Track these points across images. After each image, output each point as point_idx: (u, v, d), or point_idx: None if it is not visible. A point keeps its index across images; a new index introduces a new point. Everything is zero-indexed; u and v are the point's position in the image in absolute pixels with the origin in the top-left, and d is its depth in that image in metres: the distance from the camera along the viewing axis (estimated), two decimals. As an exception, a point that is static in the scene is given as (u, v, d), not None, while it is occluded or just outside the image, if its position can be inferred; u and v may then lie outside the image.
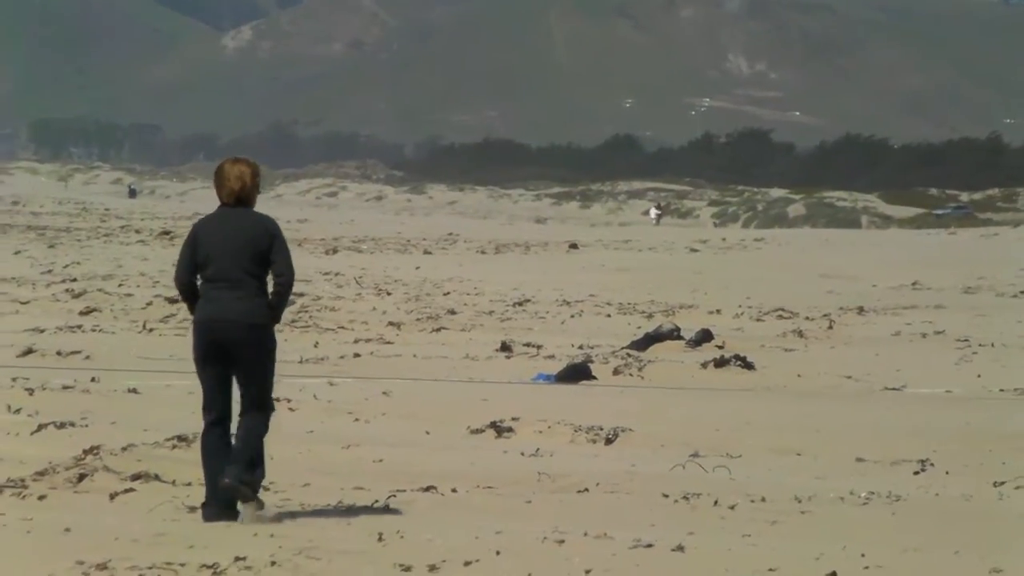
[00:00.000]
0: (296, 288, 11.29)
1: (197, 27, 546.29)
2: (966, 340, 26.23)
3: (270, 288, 10.48)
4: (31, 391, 16.26)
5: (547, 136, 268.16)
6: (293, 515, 10.48)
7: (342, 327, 26.25)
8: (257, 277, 10.43)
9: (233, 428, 10.46)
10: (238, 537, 9.61)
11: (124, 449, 12.53)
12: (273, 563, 8.68)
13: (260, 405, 10.42)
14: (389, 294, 34.35)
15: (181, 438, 13.21)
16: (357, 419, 15.74)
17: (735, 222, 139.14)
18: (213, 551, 9.01)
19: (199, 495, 10.66)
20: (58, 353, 21.34)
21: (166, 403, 16.73)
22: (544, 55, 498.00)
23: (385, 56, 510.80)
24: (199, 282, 10.46)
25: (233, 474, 10.18)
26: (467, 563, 8.79)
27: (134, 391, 17.46)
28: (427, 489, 11.53)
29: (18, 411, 14.54)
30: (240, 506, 10.26)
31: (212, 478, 10.36)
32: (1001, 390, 20.34)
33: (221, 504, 10.30)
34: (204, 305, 10.43)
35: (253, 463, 10.33)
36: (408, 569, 8.61)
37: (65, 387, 16.84)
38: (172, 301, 29.96)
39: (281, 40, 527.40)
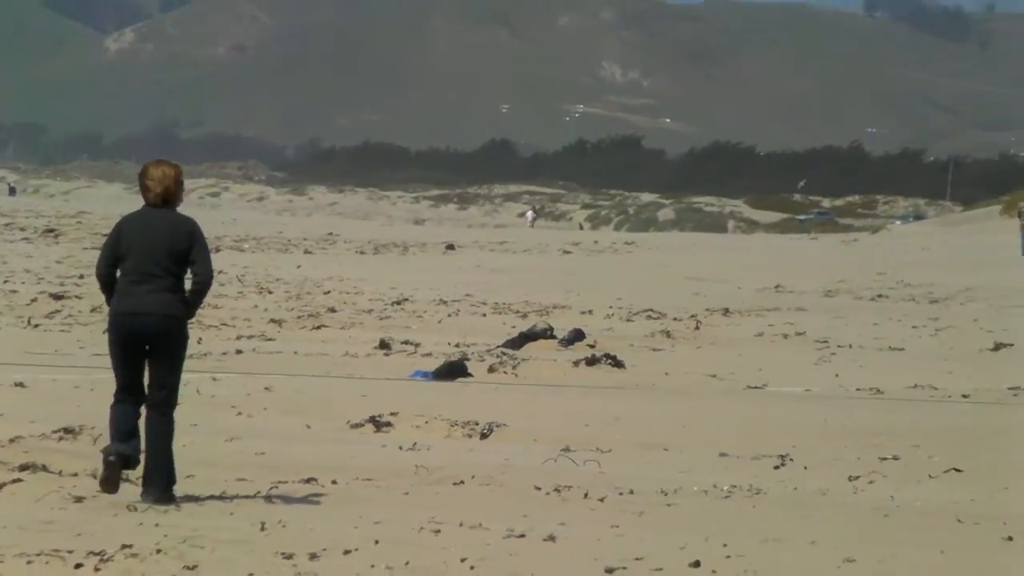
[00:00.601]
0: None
1: (81, 30, 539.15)
2: (825, 341, 26.90)
3: (187, 286, 10.67)
4: (-83, 387, 16.22)
5: (426, 140, 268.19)
6: (178, 505, 10.57)
7: (225, 324, 26.23)
8: (174, 275, 10.62)
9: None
10: (124, 526, 9.64)
11: (11, 441, 12.49)
12: (159, 551, 8.70)
13: (168, 400, 10.65)
14: (271, 292, 34.23)
15: (68, 430, 13.29)
16: (240, 413, 15.82)
17: (607, 225, 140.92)
18: (100, 539, 9.06)
19: (86, 485, 10.79)
20: (-57, 349, 21.39)
21: (52, 397, 16.74)
22: (425, 60, 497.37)
23: (267, 59, 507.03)
24: (118, 275, 10.58)
25: (152, 480, 10.56)
26: (347, 551, 8.94)
27: (20, 385, 17.43)
28: (308, 481, 11.66)
29: (-96, 405, 14.39)
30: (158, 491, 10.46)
31: (122, 433, 10.49)
32: (857, 389, 20.92)
33: (115, 461, 10.38)
34: (120, 299, 10.60)
35: (167, 479, 10.59)
36: (289, 557, 8.72)
37: (-49, 382, 16.89)
38: (57, 297, 30.05)
39: (163, 43, 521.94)
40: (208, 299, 12.06)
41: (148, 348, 10.48)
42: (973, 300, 38.11)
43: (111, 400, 10.77)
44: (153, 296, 10.44)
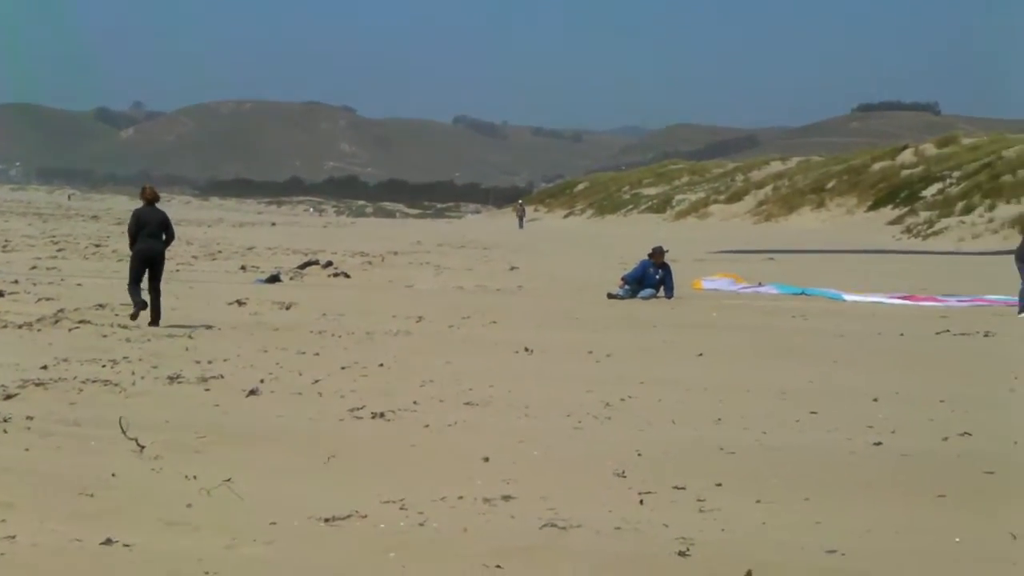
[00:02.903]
0: None
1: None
2: (437, 265, 35.95)
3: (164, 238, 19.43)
4: None
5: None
6: (158, 330, 18.09)
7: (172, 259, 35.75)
8: (160, 235, 19.31)
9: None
10: (127, 347, 16.45)
11: (74, 309, 19.56)
12: (139, 360, 15.53)
13: (158, 284, 19.06)
14: (189, 244, 42.51)
15: (100, 305, 20.39)
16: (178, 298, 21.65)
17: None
18: (116, 352, 15.66)
19: (109, 329, 17.53)
20: None
21: (92, 290, 23.46)
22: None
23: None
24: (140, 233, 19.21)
25: (155, 317, 18.65)
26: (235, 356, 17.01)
27: (79, 284, 24.34)
28: (209, 327, 19.26)
29: None
30: (155, 322, 18.47)
31: (138, 302, 18.60)
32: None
33: (141, 310, 18.49)
34: (141, 244, 19.15)
35: (158, 316, 18.79)
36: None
37: None
38: (97, 245, 38.99)
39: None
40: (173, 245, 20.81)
41: (151, 263, 19.22)
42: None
43: (126, 288, 19.01)
44: (155, 242, 19.29)
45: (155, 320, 18.83)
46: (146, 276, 19.21)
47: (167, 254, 20.15)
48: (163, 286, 19.49)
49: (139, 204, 19.93)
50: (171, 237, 19.88)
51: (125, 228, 20.59)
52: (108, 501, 8.16)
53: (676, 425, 11.47)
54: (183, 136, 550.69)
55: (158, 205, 19.82)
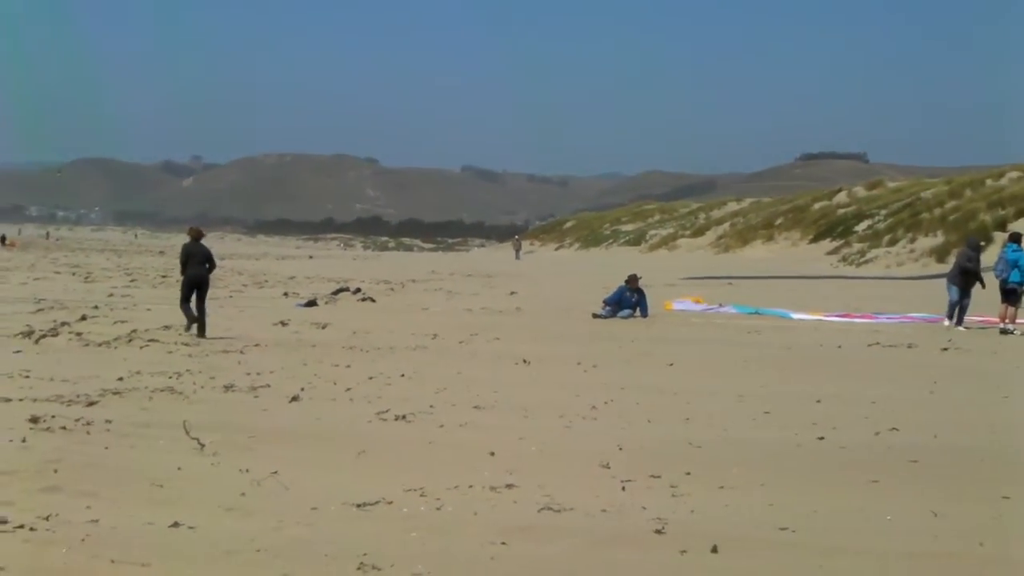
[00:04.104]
0: None
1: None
2: (449, 291, 36.04)
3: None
4: None
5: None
6: (206, 340, 18.30)
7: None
8: (205, 264, 19.82)
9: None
10: (186, 360, 16.49)
11: (145, 330, 19.68)
12: (199, 372, 17.10)
13: (204, 303, 19.55)
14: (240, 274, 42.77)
15: (166, 326, 20.34)
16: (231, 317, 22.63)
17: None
18: (177, 365, 16.30)
19: (173, 346, 18.09)
20: None
21: (159, 314, 22.61)
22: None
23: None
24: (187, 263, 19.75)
25: (201, 329, 18.99)
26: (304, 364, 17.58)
27: (148, 309, 23.16)
28: (257, 345, 19.08)
29: None
30: (202, 334, 19.08)
31: (190, 316, 19.31)
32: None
33: (192, 325, 19.14)
34: (189, 271, 19.73)
35: (204, 326, 19.29)
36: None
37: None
38: (163, 276, 37.90)
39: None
40: (216, 273, 21.37)
41: (197, 287, 19.59)
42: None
43: (178, 307, 19.52)
44: (200, 269, 19.69)
45: (201, 332, 19.26)
46: (194, 297, 19.81)
47: (211, 279, 20.85)
48: (218, 308, 19.68)
49: (187, 240, 20.88)
50: (213, 266, 20.57)
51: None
52: (175, 490, 8.19)
53: (651, 424, 11.45)
54: (234, 184, 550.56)
55: (203, 241, 20.80)
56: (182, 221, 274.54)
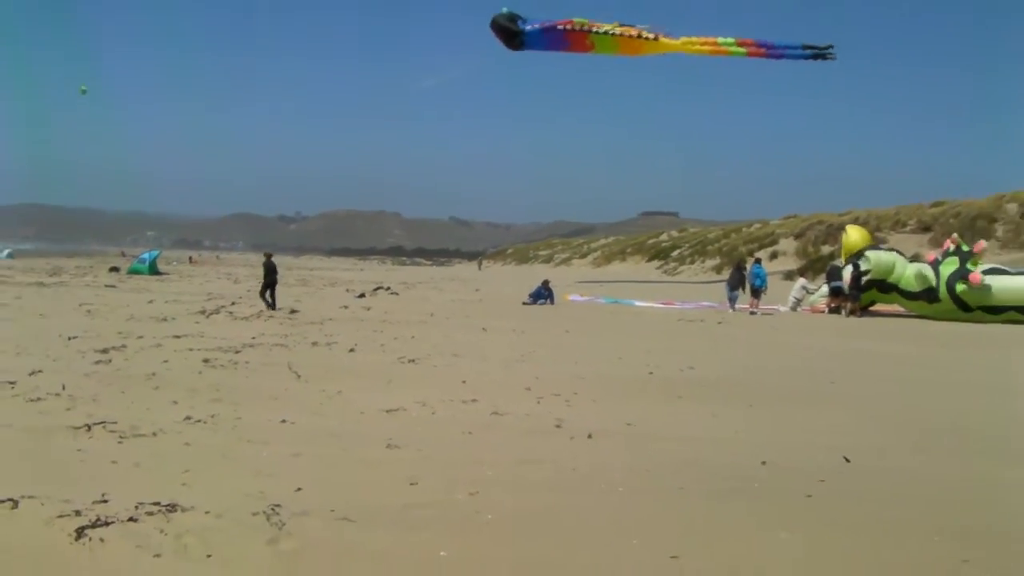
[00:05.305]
0: None
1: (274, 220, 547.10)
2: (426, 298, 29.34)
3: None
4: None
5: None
6: (277, 313, 17.28)
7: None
8: (275, 273, 18.80)
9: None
10: (255, 330, 15.31)
11: (214, 297, 18.99)
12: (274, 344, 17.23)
13: (274, 294, 18.66)
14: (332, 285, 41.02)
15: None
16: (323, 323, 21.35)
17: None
18: (246, 335, 14.32)
19: (246, 317, 17.55)
20: None
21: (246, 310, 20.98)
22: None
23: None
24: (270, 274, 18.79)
25: (272, 306, 18.07)
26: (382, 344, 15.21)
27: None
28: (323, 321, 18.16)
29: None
30: (272, 308, 17.93)
31: (266, 302, 18.30)
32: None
33: (268, 307, 18.07)
34: (266, 277, 18.76)
35: (275, 305, 18.39)
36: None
37: None
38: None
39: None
40: (304, 278, 20.83)
41: (271, 285, 18.86)
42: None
43: (260, 295, 18.76)
44: (272, 275, 18.84)
45: (272, 307, 18.54)
46: (268, 292, 19.12)
47: (279, 279, 20.14)
48: (307, 298, 18.95)
49: (264, 259, 20.43)
50: (277, 274, 19.76)
51: (262, 270, 20.36)
52: (290, 401, 7.97)
53: (555, 365, 11.23)
54: (319, 227, 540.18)
55: (275, 259, 20.36)
56: (289, 250, 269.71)
